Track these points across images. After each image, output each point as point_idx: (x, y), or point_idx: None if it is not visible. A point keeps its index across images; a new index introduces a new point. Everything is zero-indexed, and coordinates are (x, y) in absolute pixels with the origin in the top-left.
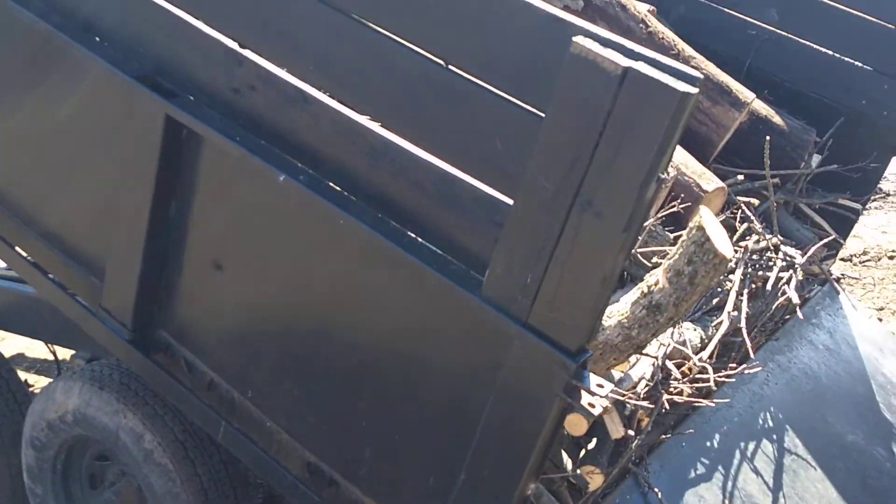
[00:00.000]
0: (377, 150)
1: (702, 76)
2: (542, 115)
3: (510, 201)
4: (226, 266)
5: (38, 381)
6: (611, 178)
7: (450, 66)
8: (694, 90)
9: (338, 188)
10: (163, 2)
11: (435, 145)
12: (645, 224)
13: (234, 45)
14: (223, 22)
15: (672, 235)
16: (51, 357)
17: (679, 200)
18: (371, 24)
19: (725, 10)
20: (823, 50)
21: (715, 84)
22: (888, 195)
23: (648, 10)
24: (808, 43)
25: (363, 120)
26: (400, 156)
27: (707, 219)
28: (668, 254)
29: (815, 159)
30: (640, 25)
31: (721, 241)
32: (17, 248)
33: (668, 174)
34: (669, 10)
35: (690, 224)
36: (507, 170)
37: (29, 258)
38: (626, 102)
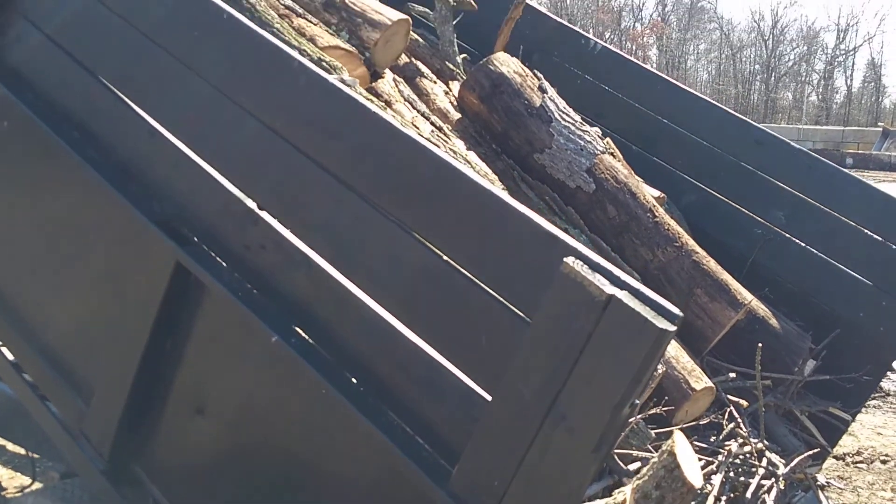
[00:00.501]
0: (368, 324)
1: (681, 314)
2: (529, 320)
3: (489, 398)
4: (207, 413)
5: (13, 479)
6: (586, 397)
7: (447, 259)
8: (672, 328)
9: (327, 356)
10: (193, 154)
11: (424, 331)
12: (630, 420)
13: (252, 204)
14: (246, 181)
15: (654, 433)
16: (28, 455)
17: (664, 401)
18: (381, 210)
19: (734, 204)
20: (826, 258)
21: (714, 281)
22: (888, 395)
23: (658, 197)
24: (812, 249)
25: (360, 294)
26: (389, 335)
27: (679, 444)
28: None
29: (810, 365)
30: (648, 214)
31: (691, 469)
32: (5, 351)
33: (657, 373)
34: (680, 196)
35: (662, 447)
36: (490, 367)
37: (15, 363)
38: (607, 328)
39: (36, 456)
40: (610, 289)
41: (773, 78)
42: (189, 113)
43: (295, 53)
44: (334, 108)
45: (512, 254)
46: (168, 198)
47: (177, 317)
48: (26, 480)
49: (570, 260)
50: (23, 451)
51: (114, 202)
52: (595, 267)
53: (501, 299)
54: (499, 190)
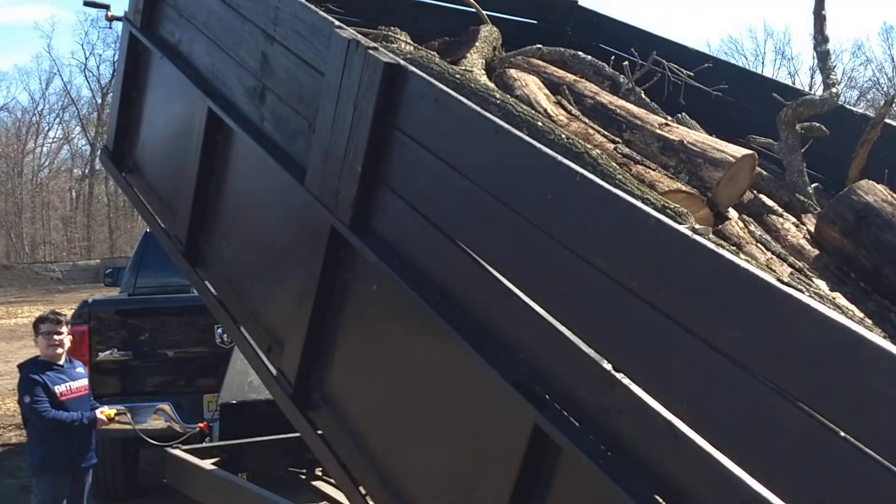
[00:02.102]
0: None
1: None
2: None
3: None
4: None
5: None
6: None
7: (847, 436)
8: None
9: None
10: (548, 315)
11: None
12: None
13: (608, 366)
14: (601, 342)
15: None
16: None
17: None
18: (754, 375)
19: None
20: None
21: None
22: None
23: None
24: None
25: (737, 469)
26: None
27: None
28: None
29: None
30: None
31: None
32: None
33: None
34: None
35: None
36: None
37: None
38: None
39: None
40: None
41: None
42: (541, 273)
43: (647, 208)
44: (695, 265)
45: None
46: (524, 358)
47: (535, 479)
48: None
49: None
50: None
51: (473, 362)
52: None
53: None
54: None
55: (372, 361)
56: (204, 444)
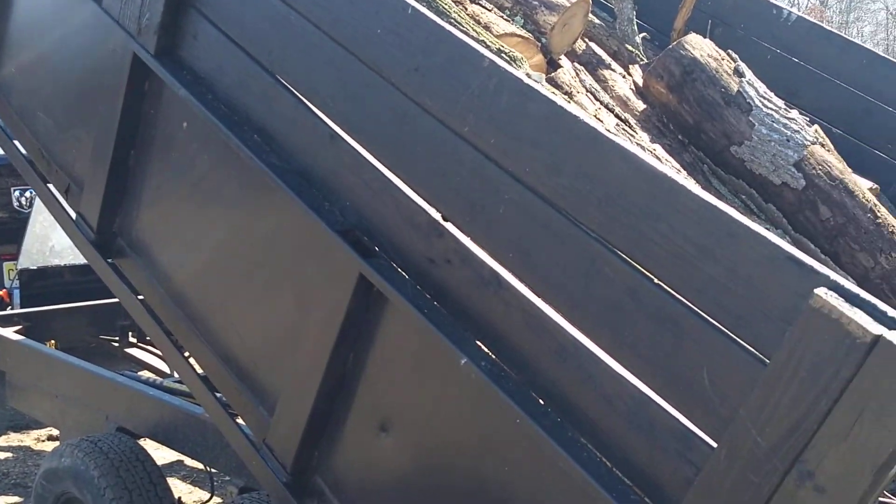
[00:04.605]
0: (567, 351)
1: None
2: (766, 360)
3: (713, 444)
4: (391, 430)
5: (192, 494)
6: (841, 454)
7: (658, 283)
8: None
9: (519, 381)
10: (377, 163)
11: (631, 361)
12: None
13: (437, 216)
14: (429, 190)
15: None
16: (206, 470)
17: None
18: (581, 226)
19: None
20: None
21: None
22: None
23: (871, 189)
24: None
25: (556, 316)
26: (591, 363)
27: None
28: None
29: None
30: (868, 215)
31: None
32: (193, 362)
33: None
34: (889, 185)
35: None
36: (713, 409)
37: (202, 374)
38: (872, 374)
39: (214, 470)
40: (876, 328)
41: None
42: (369, 115)
43: (482, 49)
44: (528, 112)
45: (743, 280)
46: (349, 206)
47: (359, 330)
48: (205, 495)
49: (822, 292)
50: (201, 466)
51: (296, 210)
52: (854, 300)
53: (729, 332)
54: (728, 207)
55: (183, 208)
56: (4, 312)
